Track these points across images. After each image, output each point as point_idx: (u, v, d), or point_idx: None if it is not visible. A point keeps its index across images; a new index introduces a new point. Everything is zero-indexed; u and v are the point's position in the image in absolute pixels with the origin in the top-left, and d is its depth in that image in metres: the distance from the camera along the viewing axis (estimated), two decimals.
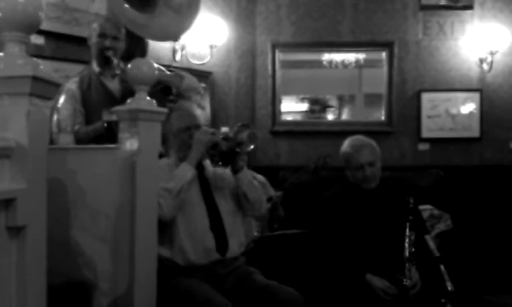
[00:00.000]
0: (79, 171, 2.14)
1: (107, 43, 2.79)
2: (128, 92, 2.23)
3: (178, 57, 4.27)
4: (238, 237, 2.51)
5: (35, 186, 1.34)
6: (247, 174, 2.50)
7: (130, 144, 2.01)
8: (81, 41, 3.58)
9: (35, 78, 1.31)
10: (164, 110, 2.16)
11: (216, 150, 2.40)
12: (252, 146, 2.36)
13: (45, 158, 1.40)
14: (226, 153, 2.40)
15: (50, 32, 3.41)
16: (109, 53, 2.79)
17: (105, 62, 2.81)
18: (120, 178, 2.01)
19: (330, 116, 7.44)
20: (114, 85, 2.86)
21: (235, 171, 2.46)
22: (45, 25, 3.30)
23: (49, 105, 1.41)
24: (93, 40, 2.82)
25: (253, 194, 2.49)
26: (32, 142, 1.32)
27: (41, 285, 1.40)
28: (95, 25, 2.85)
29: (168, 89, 2.76)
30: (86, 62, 3.51)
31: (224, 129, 2.50)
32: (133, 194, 1.98)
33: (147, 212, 2.03)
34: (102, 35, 2.80)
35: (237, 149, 2.38)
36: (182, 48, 4.30)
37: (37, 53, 3.25)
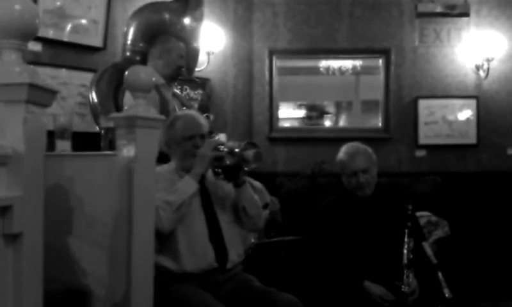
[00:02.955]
0: (76, 177, 2.13)
1: (183, 63, 3.24)
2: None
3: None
4: (237, 248, 2.49)
5: (31, 193, 1.34)
6: (248, 189, 2.48)
7: (127, 151, 2.00)
8: (78, 48, 3.61)
9: (32, 86, 1.31)
10: (162, 117, 2.16)
11: (220, 163, 2.38)
12: (256, 165, 2.34)
13: (42, 165, 1.39)
14: (229, 168, 2.38)
15: (48, 39, 3.42)
16: (182, 72, 3.29)
17: (175, 77, 3.29)
18: (117, 185, 2.01)
19: (327, 123, 7.46)
20: (169, 97, 3.15)
21: (237, 185, 2.44)
22: (42, 32, 3.36)
23: (46, 112, 1.40)
24: (172, 57, 3.19)
25: (252, 210, 2.48)
26: (28, 149, 1.32)
27: (38, 292, 1.39)
28: (176, 45, 3.23)
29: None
30: (83, 69, 3.56)
31: (230, 143, 2.48)
32: (130, 201, 1.97)
33: (144, 219, 2.02)
34: (182, 56, 3.23)
35: (241, 166, 2.35)
36: None
37: (34, 60, 3.26)
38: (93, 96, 3.26)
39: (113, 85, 3.25)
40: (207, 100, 3.33)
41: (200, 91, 3.82)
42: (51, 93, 1.40)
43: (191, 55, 3.44)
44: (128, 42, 3.41)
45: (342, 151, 2.80)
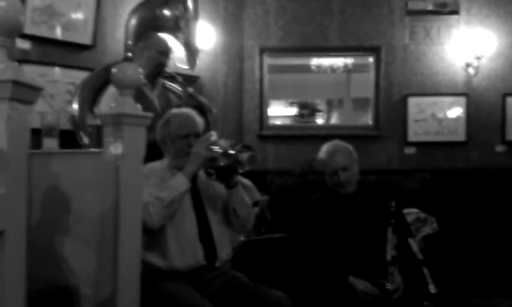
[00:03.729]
0: (63, 175, 2.13)
1: (165, 60, 3.17)
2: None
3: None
4: (226, 248, 2.51)
5: (15, 191, 1.34)
6: (240, 190, 2.48)
7: (114, 148, 2.00)
8: (68, 45, 3.60)
9: (16, 83, 1.30)
10: (149, 114, 2.16)
11: (213, 164, 2.38)
12: (250, 168, 2.34)
13: (25, 162, 1.39)
14: (223, 169, 2.38)
15: (37, 37, 3.40)
16: (164, 69, 3.20)
17: (156, 75, 3.18)
18: (104, 183, 2.01)
19: (319, 120, 7.47)
20: (154, 96, 3.12)
21: (229, 186, 2.45)
22: (31, 30, 3.34)
23: (31, 109, 1.40)
24: (150, 54, 3.14)
25: (243, 211, 2.49)
26: (12, 146, 1.31)
27: (20, 291, 1.38)
28: (156, 41, 3.18)
29: (199, 107, 3.07)
30: (73, 67, 3.55)
31: (223, 142, 2.48)
32: (117, 199, 1.98)
33: (131, 217, 2.02)
34: (162, 53, 3.16)
35: (235, 168, 2.35)
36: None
37: (23, 58, 3.23)
38: (74, 106, 3.23)
39: (97, 87, 3.21)
40: (186, 98, 3.28)
41: (191, 89, 3.80)
42: (35, 90, 1.40)
43: (187, 48, 3.42)
44: (130, 42, 3.41)
45: (323, 151, 2.81)
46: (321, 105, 7.93)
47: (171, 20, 3.34)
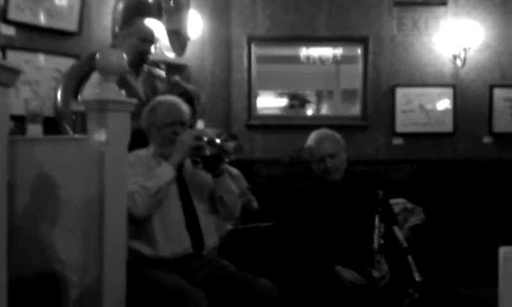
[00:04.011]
0: (48, 162, 2.13)
1: (148, 48, 3.11)
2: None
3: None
4: (213, 236, 2.51)
5: None
6: (226, 179, 2.49)
7: (98, 135, 1.99)
8: (53, 32, 3.56)
9: None
10: (134, 100, 2.15)
11: (199, 153, 2.38)
12: (235, 157, 2.35)
13: (5, 147, 1.37)
14: (209, 158, 2.38)
15: (22, 23, 3.36)
16: (147, 57, 3.15)
17: (139, 63, 3.12)
18: (89, 169, 2.01)
19: (309, 111, 7.48)
20: (138, 84, 3.09)
21: (215, 175, 2.45)
22: (15, 16, 3.30)
23: (9, 92, 1.38)
24: (133, 41, 3.08)
25: (229, 199, 2.50)
26: None
27: (1, 280, 1.36)
28: (139, 28, 3.13)
29: (185, 95, 3.02)
30: (58, 53, 3.51)
31: (209, 130, 2.48)
32: (102, 185, 1.97)
33: (116, 204, 2.02)
34: (145, 40, 3.10)
35: (221, 157, 2.36)
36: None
37: (8, 44, 3.20)
38: (58, 96, 3.20)
39: (81, 76, 3.17)
40: (169, 86, 3.25)
41: (178, 77, 3.78)
42: (14, 73, 1.37)
43: (175, 35, 3.40)
44: (117, 29, 3.37)
45: (310, 138, 2.83)
46: (311, 97, 7.94)
47: (154, 6, 3.32)
